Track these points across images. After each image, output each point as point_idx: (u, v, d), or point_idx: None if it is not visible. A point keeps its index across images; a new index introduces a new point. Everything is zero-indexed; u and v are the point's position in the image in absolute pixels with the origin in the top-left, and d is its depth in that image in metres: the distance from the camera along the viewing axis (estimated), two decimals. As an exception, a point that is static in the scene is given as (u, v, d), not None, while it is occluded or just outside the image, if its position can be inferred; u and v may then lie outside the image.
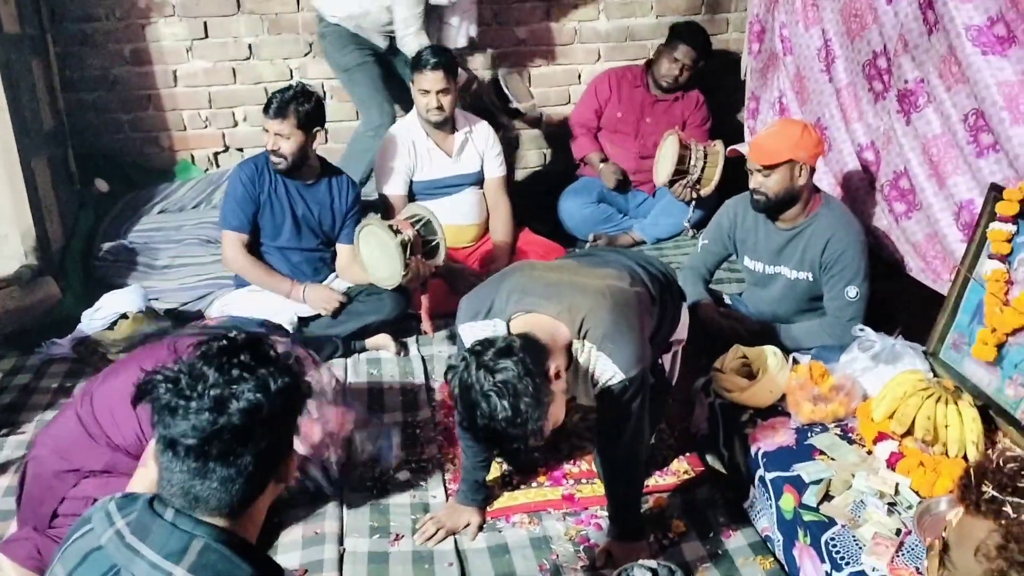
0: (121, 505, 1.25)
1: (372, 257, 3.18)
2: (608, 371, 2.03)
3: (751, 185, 2.79)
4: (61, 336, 3.32)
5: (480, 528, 2.40)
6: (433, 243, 3.23)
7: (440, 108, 3.54)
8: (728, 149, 2.88)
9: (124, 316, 3.21)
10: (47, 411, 2.96)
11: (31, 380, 3.16)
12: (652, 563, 1.38)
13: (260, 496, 1.26)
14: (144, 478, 1.62)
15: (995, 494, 1.12)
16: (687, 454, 2.68)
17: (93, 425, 2.07)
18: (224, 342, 1.23)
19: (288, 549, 2.31)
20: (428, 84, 3.49)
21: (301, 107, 3.11)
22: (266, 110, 3.12)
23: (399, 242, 3.07)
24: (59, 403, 3.01)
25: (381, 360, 3.29)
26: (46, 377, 3.18)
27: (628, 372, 2.02)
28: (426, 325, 3.38)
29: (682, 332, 2.49)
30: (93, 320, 3.23)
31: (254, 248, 3.29)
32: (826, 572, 1.97)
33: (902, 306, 3.01)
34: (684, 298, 2.52)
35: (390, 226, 3.13)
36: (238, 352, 1.21)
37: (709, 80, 4.43)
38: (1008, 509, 1.10)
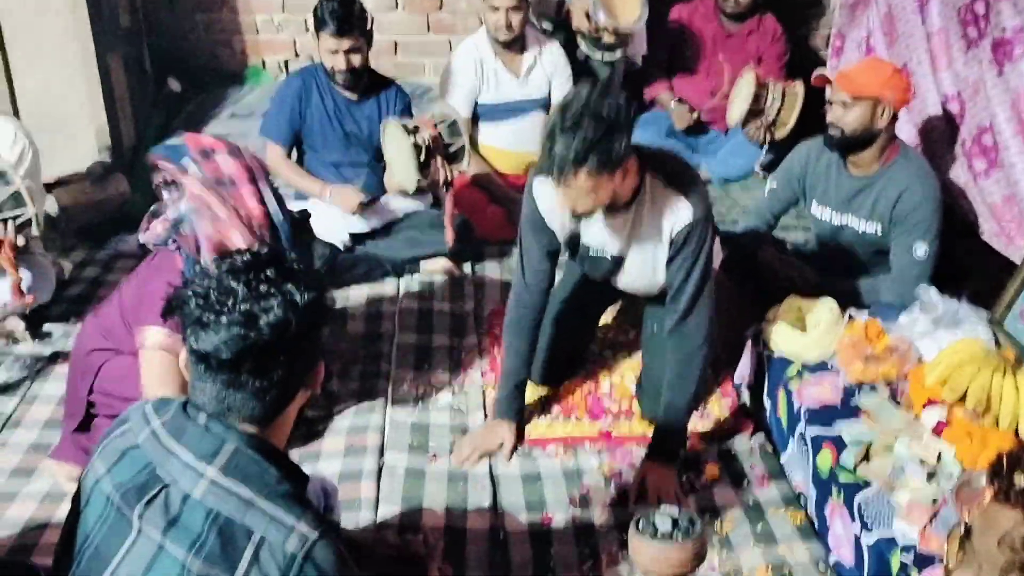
0: (157, 407, 1.31)
1: (392, 159, 3.13)
2: (679, 207, 2.12)
3: (828, 119, 2.66)
4: (130, 232, 3.42)
5: (514, 449, 2.44)
6: (457, 146, 3.10)
7: (510, 27, 3.46)
8: (814, 75, 2.74)
9: (189, 218, 3.28)
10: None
11: (99, 274, 3.28)
12: (674, 510, 1.38)
13: (290, 404, 1.31)
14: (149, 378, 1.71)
15: None
16: (729, 401, 2.66)
17: (129, 313, 2.14)
18: (248, 257, 1.26)
19: (330, 457, 2.40)
20: (499, 1, 3.41)
21: (362, 16, 3.10)
22: (325, 27, 3.04)
23: (412, 143, 2.97)
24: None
25: (434, 283, 3.31)
26: (114, 271, 3.31)
27: (697, 210, 2.11)
28: (448, 234, 3.24)
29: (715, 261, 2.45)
30: (159, 220, 3.31)
31: (299, 159, 3.32)
32: (855, 533, 1.96)
33: (974, 268, 2.90)
34: (716, 232, 2.44)
35: (404, 126, 3.02)
36: (264, 267, 1.24)
37: (791, 12, 4.22)
38: None
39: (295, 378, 1.29)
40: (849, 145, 2.65)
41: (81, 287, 3.18)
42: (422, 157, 2.99)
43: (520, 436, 2.48)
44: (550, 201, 2.20)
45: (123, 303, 2.18)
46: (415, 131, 3.01)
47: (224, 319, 1.20)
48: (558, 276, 2.91)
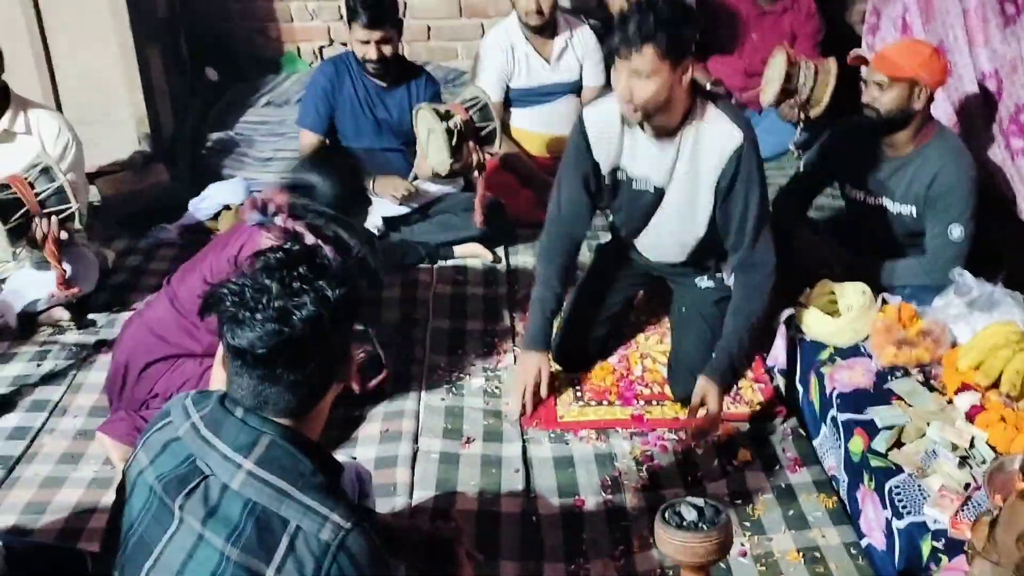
0: (197, 400, 1.36)
1: (425, 142, 3.15)
2: (725, 129, 2.22)
3: (864, 99, 2.62)
4: (170, 221, 3.50)
5: (552, 376, 2.49)
6: (488, 129, 3.12)
7: (540, 12, 3.45)
8: (851, 55, 2.71)
9: (227, 207, 3.35)
10: (155, 293, 3.15)
11: (141, 262, 3.36)
12: (699, 501, 1.41)
13: (324, 397, 1.35)
14: (219, 379, 1.75)
15: None
16: (762, 386, 2.67)
17: (189, 313, 2.20)
18: (281, 254, 1.30)
19: (366, 443, 2.45)
20: (529, -15, 3.41)
21: (393, 6, 3.14)
22: (358, 19, 3.08)
23: (445, 127, 3.00)
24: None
25: (468, 267, 3.35)
26: (155, 260, 3.38)
27: (746, 134, 2.22)
28: (478, 216, 3.28)
29: None
30: (199, 209, 3.39)
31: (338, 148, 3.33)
32: (887, 519, 1.96)
33: (1012, 248, 2.85)
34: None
35: (436, 110, 3.05)
36: (296, 265, 1.29)
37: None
38: None
39: (328, 371, 1.33)
40: (885, 126, 2.62)
41: (124, 276, 3.26)
42: (455, 141, 3.03)
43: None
44: (599, 128, 2.32)
45: (181, 304, 2.22)
46: (447, 115, 3.04)
47: (259, 316, 1.24)
48: (586, 262, 2.95)
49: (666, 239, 2.48)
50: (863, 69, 2.65)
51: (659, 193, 2.37)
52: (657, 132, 2.27)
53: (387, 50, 3.16)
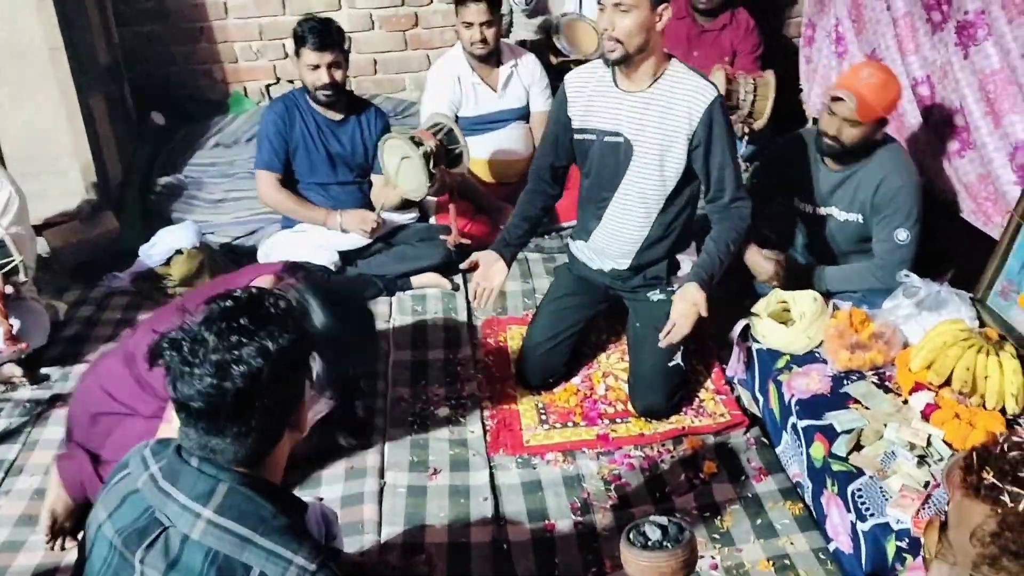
0: (155, 450, 1.34)
1: (397, 170, 3.19)
2: (698, 85, 2.41)
3: (828, 129, 2.64)
4: (121, 269, 3.45)
5: (504, 280, 2.66)
6: (456, 152, 3.21)
7: (484, 41, 3.49)
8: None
9: (179, 251, 3.32)
10: (109, 343, 3.10)
11: (93, 313, 3.30)
12: (663, 519, 1.41)
13: (276, 445, 1.33)
14: (169, 430, 1.72)
15: (995, 481, 1.11)
16: (724, 397, 2.69)
17: (139, 368, 2.16)
18: (226, 303, 1.28)
19: (331, 481, 2.42)
20: (471, 16, 3.44)
21: (340, 32, 3.17)
22: (304, 44, 3.09)
23: (422, 153, 3.06)
24: (120, 335, 3.15)
25: (426, 297, 3.34)
26: (108, 310, 3.32)
27: (718, 89, 2.43)
28: (453, 237, 3.36)
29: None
30: (150, 255, 3.34)
31: (292, 186, 3.34)
32: (851, 522, 1.99)
33: (958, 247, 2.92)
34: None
35: (411, 138, 3.11)
36: (238, 315, 1.26)
37: (764, 3, 4.25)
38: (1006, 498, 1.09)
39: (275, 421, 1.31)
40: (846, 155, 2.67)
41: (76, 327, 3.20)
42: (432, 165, 3.09)
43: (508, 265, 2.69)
44: (578, 85, 2.56)
45: (135, 360, 2.17)
46: (419, 142, 3.09)
47: (197, 370, 1.22)
48: (548, 282, 2.98)
49: (634, 206, 2.55)
50: (815, 101, 2.65)
51: (630, 145, 2.48)
52: (633, 83, 2.44)
53: (338, 75, 3.17)
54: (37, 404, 2.77)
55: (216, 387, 1.22)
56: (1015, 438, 1.12)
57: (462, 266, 2.73)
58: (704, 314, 2.40)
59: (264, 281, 2.14)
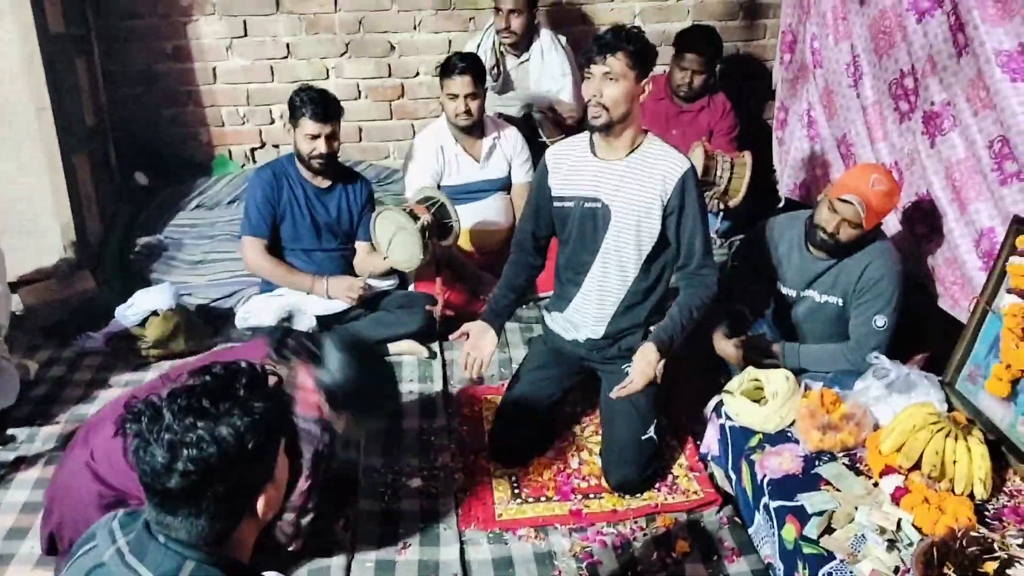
0: (123, 523, 1.32)
1: (390, 242, 3.24)
2: (672, 156, 2.53)
3: (827, 225, 2.67)
4: (96, 329, 3.43)
5: (492, 353, 2.66)
6: (447, 225, 3.32)
7: (468, 112, 3.56)
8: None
9: (155, 313, 3.31)
10: (79, 404, 3.08)
11: (65, 373, 3.27)
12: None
13: (235, 529, 1.28)
14: None
15: None
16: (697, 474, 2.69)
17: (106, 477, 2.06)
18: (197, 380, 1.26)
19: (297, 556, 2.37)
20: (456, 88, 3.52)
21: (338, 104, 3.24)
22: (306, 115, 3.15)
23: (419, 226, 3.15)
24: (91, 396, 3.13)
25: (402, 363, 3.35)
26: (80, 370, 3.30)
27: (688, 159, 2.54)
28: (439, 308, 3.42)
29: None
30: (126, 315, 3.33)
31: (277, 251, 3.35)
32: (822, 606, 1.98)
33: (933, 329, 2.95)
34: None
35: (406, 210, 3.19)
36: (200, 396, 1.23)
37: (741, 85, 4.39)
38: None
39: (230, 506, 1.26)
40: (841, 250, 2.72)
41: (47, 387, 3.16)
42: (427, 237, 3.18)
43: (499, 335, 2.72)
44: (558, 157, 2.66)
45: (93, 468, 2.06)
46: (414, 215, 3.18)
47: (151, 448, 1.20)
48: (522, 353, 2.99)
49: (612, 271, 2.61)
50: (829, 198, 2.69)
51: (608, 210, 2.55)
52: (611, 152, 2.54)
53: (335, 145, 3.25)
54: (1, 466, 2.72)
55: (165, 467, 1.19)
56: (973, 532, 1.13)
57: (452, 336, 2.74)
58: (658, 377, 2.44)
59: (258, 353, 2.09)
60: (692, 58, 4.06)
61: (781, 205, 3.84)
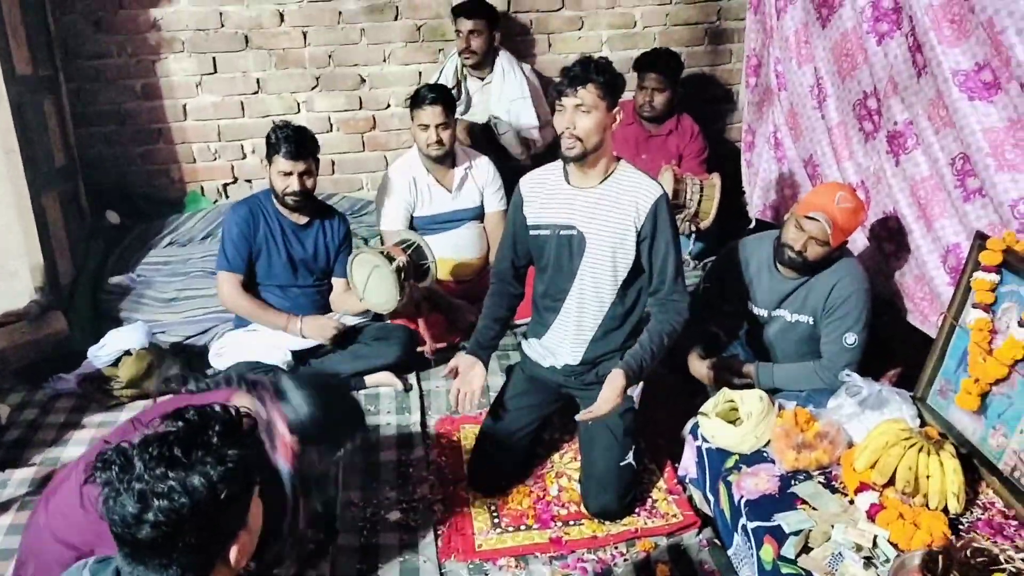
0: (94, 572, 1.30)
1: (366, 284, 3.25)
2: (644, 183, 2.56)
3: (794, 243, 2.70)
4: (68, 371, 3.40)
5: (483, 387, 2.67)
6: (424, 267, 3.33)
7: (440, 142, 3.58)
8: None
9: (128, 352, 3.28)
10: (52, 447, 3.04)
11: (37, 416, 3.23)
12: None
13: None
14: None
15: None
16: (676, 497, 2.70)
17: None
18: (169, 426, 1.25)
19: (278, 591, 2.35)
20: (427, 119, 3.54)
21: (314, 141, 3.24)
22: (280, 152, 3.16)
23: (395, 268, 3.15)
24: (64, 438, 3.09)
25: (379, 395, 3.34)
26: (52, 412, 3.26)
27: (660, 186, 2.59)
28: (429, 347, 3.44)
29: None
30: (98, 356, 3.30)
31: (252, 287, 3.35)
32: (802, 626, 1.98)
33: (904, 344, 2.99)
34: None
35: (382, 252, 3.21)
36: (172, 444, 1.21)
37: (708, 108, 4.44)
38: None
39: (201, 558, 1.25)
40: (807, 268, 2.75)
41: (19, 431, 3.12)
42: (403, 279, 3.18)
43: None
44: (531, 186, 2.69)
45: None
46: (390, 258, 3.18)
47: (120, 496, 1.19)
48: (499, 381, 2.99)
49: (588, 298, 2.63)
50: (795, 216, 2.72)
51: (583, 237, 2.57)
52: (585, 180, 2.57)
53: (309, 182, 3.25)
54: (-29, 513, 2.69)
55: (135, 517, 1.18)
56: (976, 544, 1.13)
57: (443, 374, 2.73)
58: (635, 402, 2.48)
59: (240, 398, 2.06)
60: (651, 77, 4.15)
61: (752, 226, 3.88)
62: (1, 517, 2.67)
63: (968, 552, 1.12)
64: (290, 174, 3.19)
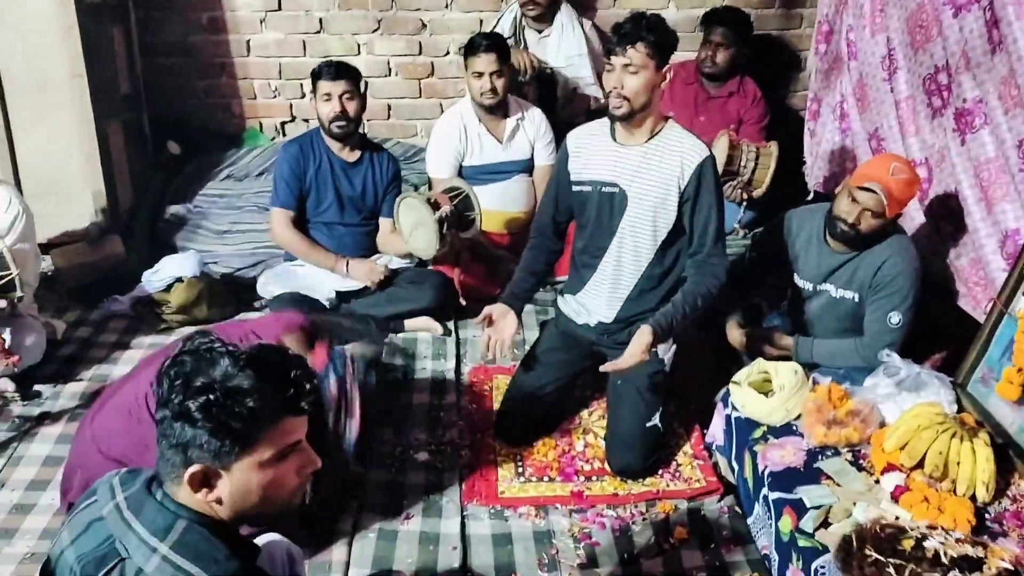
0: (124, 480, 1.36)
1: (410, 228, 3.28)
2: (691, 143, 2.53)
3: (847, 216, 2.63)
4: (123, 293, 3.52)
5: (514, 336, 2.68)
6: (469, 217, 3.33)
7: (493, 91, 3.56)
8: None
9: (180, 280, 3.38)
10: (103, 364, 3.17)
11: (91, 334, 3.36)
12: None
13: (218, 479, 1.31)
14: None
15: (878, 557, 1.12)
16: (701, 463, 2.70)
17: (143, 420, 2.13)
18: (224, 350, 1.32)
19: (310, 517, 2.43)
20: (481, 66, 3.52)
21: (354, 69, 3.29)
22: (322, 76, 3.24)
23: (437, 218, 3.17)
24: (114, 357, 3.21)
25: (417, 340, 3.38)
26: (105, 332, 3.39)
27: (707, 146, 2.54)
28: (460, 298, 3.48)
29: None
30: (151, 281, 3.41)
31: (302, 225, 3.40)
32: (813, 598, 1.98)
33: (954, 329, 2.91)
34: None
35: (428, 200, 3.22)
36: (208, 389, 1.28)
37: (771, 74, 4.32)
38: (891, 570, 1.10)
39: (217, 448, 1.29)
40: (859, 242, 2.68)
41: (73, 347, 3.25)
42: (444, 229, 3.19)
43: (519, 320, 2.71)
44: (579, 142, 2.67)
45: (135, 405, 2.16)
46: (435, 205, 3.20)
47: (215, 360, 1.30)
48: (535, 336, 3.01)
49: (627, 256, 2.62)
50: (849, 188, 2.64)
51: (625, 195, 2.57)
52: (631, 138, 2.55)
53: (350, 106, 3.27)
54: (26, 420, 2.82)
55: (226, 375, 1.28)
56: (883, 521, 1.14)
57: (475, 321, 2.74)
58: (646, 358, 2.43)
59: (291, 341, 2.21)
60: (717, 31, 4.05)
61: (810, 198, 3.79)
62: (52, 427, 2.80)
63: (879, 527, 1.14)
64: (330, 98, 3.23)
